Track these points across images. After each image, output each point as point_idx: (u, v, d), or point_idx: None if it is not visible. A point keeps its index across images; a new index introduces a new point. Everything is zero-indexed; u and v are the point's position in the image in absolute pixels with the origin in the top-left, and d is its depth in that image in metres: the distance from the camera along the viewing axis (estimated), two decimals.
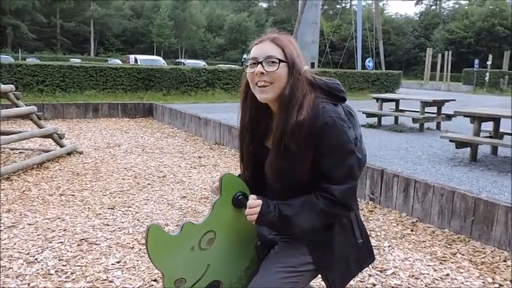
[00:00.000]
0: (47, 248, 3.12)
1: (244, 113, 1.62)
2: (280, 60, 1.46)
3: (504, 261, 3.08)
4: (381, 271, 2.92)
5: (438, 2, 72.26)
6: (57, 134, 6.10)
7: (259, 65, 1.46)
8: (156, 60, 25.40)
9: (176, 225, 3.60)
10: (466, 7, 59.79)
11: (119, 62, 30.10)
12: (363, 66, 26.25)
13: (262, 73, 1.46)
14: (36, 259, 2.94)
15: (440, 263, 3.04)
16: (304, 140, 1.43)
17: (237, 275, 1.67)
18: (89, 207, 4.01)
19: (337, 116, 1.46)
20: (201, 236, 1.54)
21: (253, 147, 1.63)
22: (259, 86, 1.48)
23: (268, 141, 1.59)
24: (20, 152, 6.13)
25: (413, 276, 2.87)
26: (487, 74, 28.42)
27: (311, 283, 1.79)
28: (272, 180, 1.55)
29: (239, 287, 1.67)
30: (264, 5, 79.14)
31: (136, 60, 25.07)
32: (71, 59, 35.24)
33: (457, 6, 65.89)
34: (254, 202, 1.49)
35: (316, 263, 1.55)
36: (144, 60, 24.38)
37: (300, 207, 1.47)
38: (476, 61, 30.77)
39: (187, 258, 1.52)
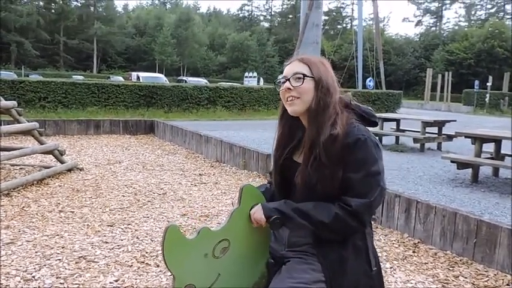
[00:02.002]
0: (45, 265, 3.08)
1: (281, 128, 1.73)
2: (304, 76, 1.57)
3: (507, 284, 3.04)
4: None
5: (438, 24, 73.06)
6: (58, 150, 6.10)
7: (287, 82, 1.60)
8: (158, 78, 25.55)
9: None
10: (466, 29, 60.36)
11: (121, 79, 30.24)
12: (364, 86, 26.39)
13: (290, 88, 1.58)
14: (34, 277, 2.90)
15: (443, 286, 3.00)
16: (336, 154, 1.51)
17: None
18: (88, 224, 3.98)
19: (368, 136, 1.55)
20: (216, 244, 1.56)
21: (283, 160, 1.71)
22: (288, 101, 1.60)
23: (297, 156, 1.68)
24: (21, 168, 6.12)
25: None
26: (487, 95, 28.52)
27: None
28: (300, 191, 1.60)
29: None
30: (266, 24, 79.99)
31: (138, 77, 25.22)
32: (73, 76, 35.47)
33: (456, 28, 66.57)
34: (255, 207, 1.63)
35: (326, 280, 1.54)
36: (146, 77, 24.51)
37: (314, 204, 1.55)
38: (477, 82, 30.91)
39: (200, 265, 1.53)
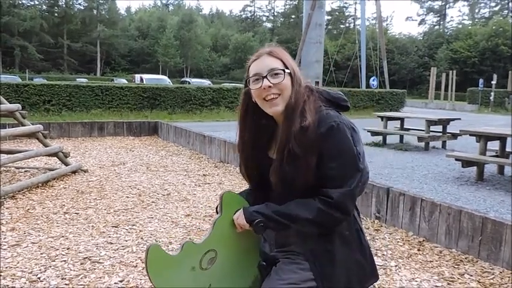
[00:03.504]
0: (50, 266, 3.09)
1: (245, 128, 1.64)
2: (283, 71, 1.50)
3: None
4: None
5: (441, 22, 72.85)
6: (62, 152, 6.12)
7: (265, 79, 1.49)
8: (162, 80, 25.54)
9: (180, 244, 3.57)
10: (470, 27, 60.15)
11: (124, 81, 30.30)
12: (367, 85, 26.35)
13: (270, 86, 1.49)
14: (39, 278, 2.91)
15: (448, 284, 2.99)
16: (309, 144, 1.45)
17: None
18: (92, 226, 3.99)
19: (341, 121, 1.48)
20: (202, 256, 1.53)
21: (258, 159, 1.64)
22: (267, 100, 1.51)
23: (271, 152, 1.61)
24: (26, 171, 6.14)
25: None
26: (492, 93, 28.40)
27: None
28: (276, 187, 1.55)
29: None
30: (269, 25, 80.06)
31: (141, 79, 25.24)
32: (77, 79, 35.59)
33: (460, 26, 66.34)
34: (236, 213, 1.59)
35: (316, 277, 1.51)
36: (149, 79, 24.50)
37: (295, 202, 1.50)
38: (481, 80, 30.79)
39: (189, 279, 1.50)
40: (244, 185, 5.60)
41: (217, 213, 1.62)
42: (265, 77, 1.49)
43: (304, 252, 1.55)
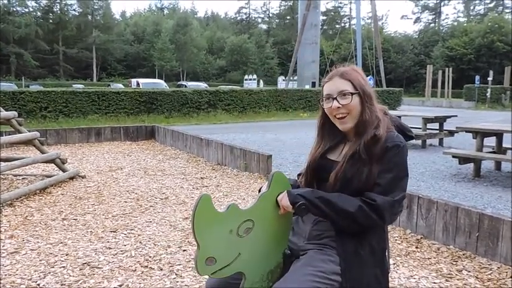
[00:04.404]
0: (49, 273, 3.09)
1: (323, 135, 1.83)
2: (352, 93, 1.67)
3: (511, 277, 3.04)
4: None
5: (437, 20, 73.03)
6: (59, 159, 6.11)
7: (335, 101, 1.68)
8: (158, 83, 25.57)
9: (179, 247, 3.58)
10: (465, 24, 60.31)
11: (121, 86, 30.27)
12: None
13: (339, 107, 1.68)
14: (39, 285, 2.92)
15: (446, 280, 3.00)
16: (375, 154, 1.62)
17: (260, 274, 1.69)
18: (91, 231, 3.99)
19: (405, 145, 1.68)
20: (241, 222, 1.60)
21: (319, 159, 1.80)
22: (338, 118, 1.70)
23: (331, 155, 1.78)
24: (23, 178, 6.14)
25: None
26: (488, 89, 28.47)
27: None
28: (329, 186, 1.68)
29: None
30: (264, 26, 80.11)
31: (138, 84, 25.24)
32: (73, 85, 35.56)
33: (455, 23, 66.50)
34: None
35: (342, 272, 1.60)
36: (146, 83, 24.51)
37: (339, 194, 1.64)
38: (477, 77, 30.86)
39: (224, 240, 1.57)
40: (241, 187, 5.59)
41: (259, 192, 1.72)
42: (335, 98, 1.68)
43: (337, 247, 1.64)
